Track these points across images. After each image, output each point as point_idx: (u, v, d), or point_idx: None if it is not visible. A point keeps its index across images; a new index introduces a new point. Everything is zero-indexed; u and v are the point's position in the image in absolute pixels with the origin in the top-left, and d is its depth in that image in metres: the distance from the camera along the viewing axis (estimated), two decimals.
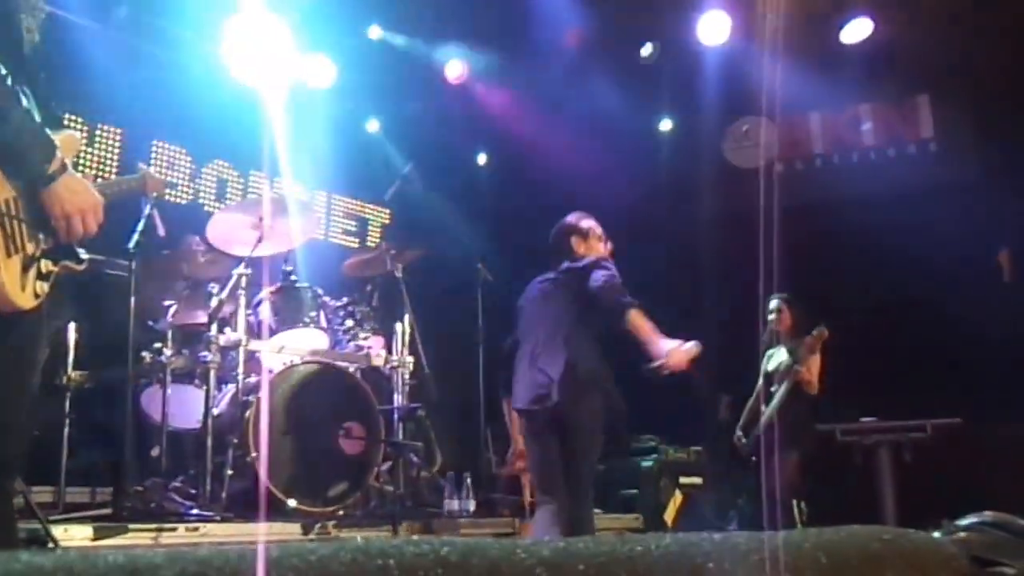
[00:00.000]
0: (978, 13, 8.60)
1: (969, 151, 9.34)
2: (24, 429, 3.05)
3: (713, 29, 9.38)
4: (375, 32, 9.51)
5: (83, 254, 3.14)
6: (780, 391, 7.67)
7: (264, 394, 6.05)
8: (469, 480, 6.87)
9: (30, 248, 2.87)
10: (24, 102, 2.82)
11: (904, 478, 7.86)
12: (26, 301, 2.86)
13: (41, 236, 2.93)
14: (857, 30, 9.25)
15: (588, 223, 5.64)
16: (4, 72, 2.74)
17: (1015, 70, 8.59)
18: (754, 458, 7.83)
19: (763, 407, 7.87)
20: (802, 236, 9.42)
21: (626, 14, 9.35)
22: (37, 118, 2.88)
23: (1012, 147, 8.77)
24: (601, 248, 5.59)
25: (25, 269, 2.86)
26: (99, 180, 3.33)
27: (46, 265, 2.96)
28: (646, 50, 9.73)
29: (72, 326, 6.00)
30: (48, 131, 2.92)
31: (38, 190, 2.89)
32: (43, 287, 2.95)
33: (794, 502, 7.54)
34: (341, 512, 6.11)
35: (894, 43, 9.21)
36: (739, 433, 8.03)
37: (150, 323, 6.54)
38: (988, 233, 8.69)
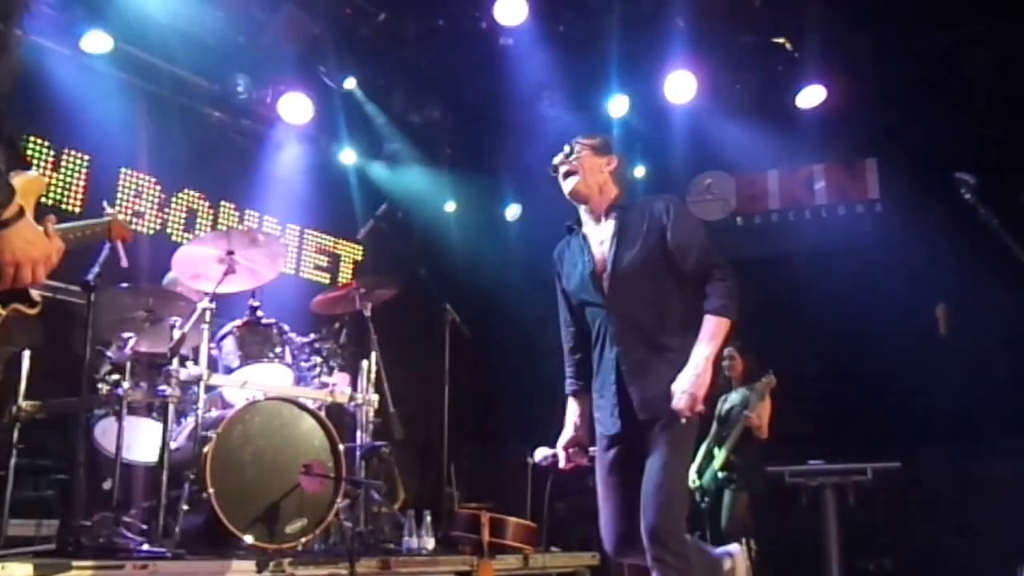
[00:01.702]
0: (922, 86, 8.80)
1: (911, 212, 9.12)
2: None
3: (679, 88, 9.27)
4: (350, 83, 8.97)
5: (36, 296, 2.81)
6: (732, 435, 7.70)
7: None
8: (429, 518, 6.49)
9: None
10: None
11: (848, 518, 7.98)
12: None
13: None
14: (811, 96, 9.22)
15: None
16: None
17: (954, 139, 8.66)
18: (705, 499, 7.79)
19: (716, 449, 7.83)
20: (757, 287, 9.20)
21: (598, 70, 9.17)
22: None
23: (950, 210, 8.58)
24: None
25: None
26: (63, 225, 2.85)
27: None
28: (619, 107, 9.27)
29: (26, 354, 5.54)
30: (10, 174, 2.62)
31: None
32: None
33: (744, 540, 7.23)
34: (299, 549, 5.60)
35: (845, 109, 9.25)
36: (693, 475, 7.80)
37: (108, 354, 6.09)
38: (927, 289, 8.60)
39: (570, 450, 4.41)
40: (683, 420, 3.89)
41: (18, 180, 2.68)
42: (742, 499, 7.60)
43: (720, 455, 7.69)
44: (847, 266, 9.10)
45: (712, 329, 4.02)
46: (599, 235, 4.35)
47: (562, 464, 4.44)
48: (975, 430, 8.17)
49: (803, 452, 8.24)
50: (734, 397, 7.91)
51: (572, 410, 4.46)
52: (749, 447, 7.64)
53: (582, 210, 4.45)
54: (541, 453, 4.54)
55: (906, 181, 9.41)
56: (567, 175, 4.37)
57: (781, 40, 8.85)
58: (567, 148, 4.44)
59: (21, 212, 2.61)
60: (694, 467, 7.81)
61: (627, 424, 4.09)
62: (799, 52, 8.94)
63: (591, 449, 4.37)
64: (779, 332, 8.86)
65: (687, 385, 3.90)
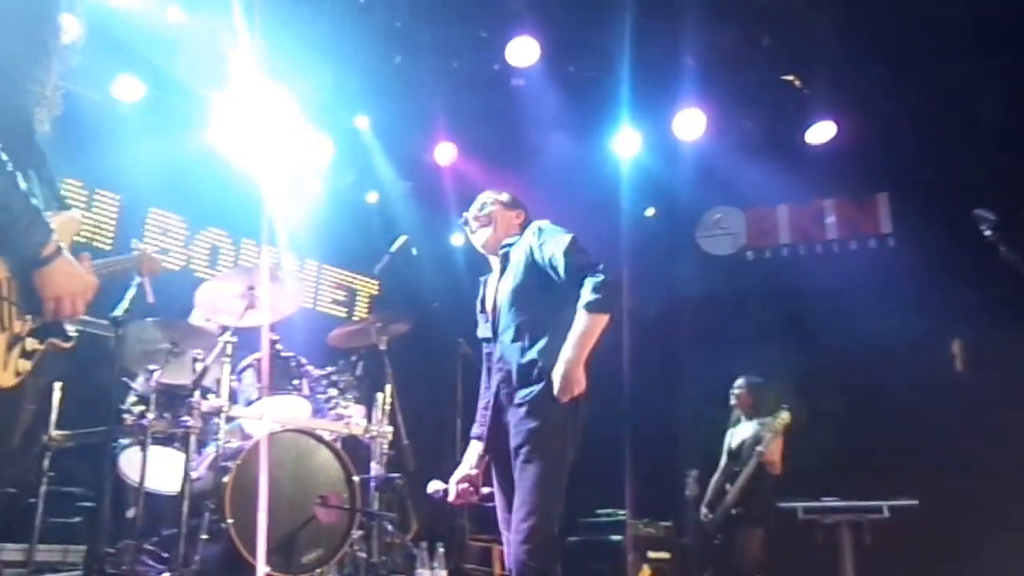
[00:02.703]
0: (933, 120, 8.78)
1: (924, 246, 9.16)
2: None
3: (689, 125, 9.33)
4: (362, 123, 9.18)
5: (71, 331, 2.98)
6: (745, 470, 7.63)
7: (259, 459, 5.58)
8: (442, 549, 6.50)
9: (17, 327, 2.72)
10: (24, 186, 2.67)
11: (865, 556, 7.80)
12: (6, 379, 2.70)
13: (29, 316, 2.77)
14: (821, 132, 9.26)
15: None
16: (5, 158, 2.60)
17: (966, 173, 8.65)
18: (719, 536, 7.73)
19: (728, 485, 7.80)
20: (769, 321, 9.34)
21: (607, 108, 9.23)
22: (37, 201, 2.74)
23: (963, 244, 8.61)
24: None
25: (10, 347, 2.70)
26: (97, 261, 3.05)
27: (31, 344, 2.80)
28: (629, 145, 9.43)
29: (57, 385, 5.80)
30: (48, 213, 2.80)
31: (30, 271, 2.74)
32: (25, 365, 2.78)
33: None
34: None
35: (856, 144, 9.24)
36: (704, 510, 7.92)
37: (133, 386, 6.29)
38: (942, 324, 8.57)
39: (460, 486, 4.52)
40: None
41: (56, 220, 2.84)
42: (756, 536, 7.51)
43: (733, 491, 7.63)
44: (859, 300, 9.00)
45: (579, 325, 4.08)
46: (493, 276, 4.62)
47: (451, 498, 4.55)
48: (993, 468, 7.96)
49: (818, 488, 8.11)
50: (743, 431, 7.89)
51: (472, 450, 4.57)
52: (762, 483, 7.55)
53: (492, 260, 4.69)
54: (433, 486, 4.64)
55: (918, 215, 9.42)
56: (479, 228, 4.68)
57: (790, 77, 8.91)
58: (479, 203, 4.73)
59: (59, 250, 2.76)
60: (704, 503, 7.92)
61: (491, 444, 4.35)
62: (808, 88, 8.97)
63: (484, 489, 4.50)
64: (791, 366, 8.82)
65: (555, 382, 4.04)
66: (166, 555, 5.58)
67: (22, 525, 5.59)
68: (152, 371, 6.01)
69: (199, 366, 5.86)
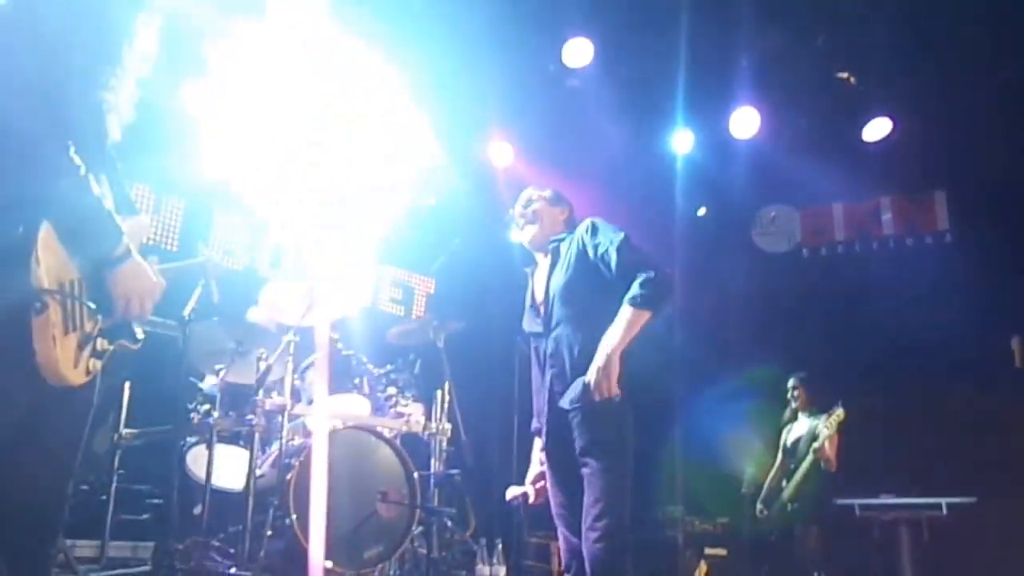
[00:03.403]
0: (990, 117, 8.62)
1: (982, 243, 9.12)
2: (67, 498, 2.92)
3: (743, 124, 9.34)
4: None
5: (139, 333, 3.06)
6: (800, 467, 7.63)
7: (314, 456, 5.67)
8: (501, 545, 6.53)
9: (88, 327, 2.77)
10: (96, 189, 2.74)
11: (922, 554, 7.78)
12: (77, 377, 2.76)
13: (100, 316, 2.82)
14: (877, 129, 9.25)
15: None
16: (78, 163, 2.68)
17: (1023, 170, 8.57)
18: (775, 533, 7.73)
19: (784, 482, 7.78)
20: (824, 318, 9.30)
21: (662, 107, 9.23)
22: (109, 205, 2.81)
23: (1020, 241, 8.76)
24: None
25: (81, 347, 2.76)
26: (164, 264, 3.13)
27: (101, 343, 2.86)
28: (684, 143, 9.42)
29: (126, 385, 5.90)
30: (119, 216, 2.86)
31: (102, 272, 2.81)
32: (96, 364, 2.85)
33: (814, 574, 7.41)
34: (376, 574, 5.84)
35: (912, 141, 9.20)
36: (760, 506, 7.92)
37: (199, 385, 6.42)
38: (1001, 321, 8.58)
39: (537, 485, 4.60)
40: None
41: (126, 224, 2.89)
42: (812, 532, 7.49)
43: (789, 487, 7.64)
44: (916, 297, 8.94)
45: (621, 318, 4.10)
46: (542, 270, 4.65)
47: (531, 500, 4.63)
48: None
49: (875, 486, 8.10)
50: (799, 428, 7.89)
51: (537, 446, 4.66)
52: (817, 480, 7.51)
53: (538, 255, 4.75)
54: (512, 492, 4.74)
55: (976, 212, 9.38)
56: (525, 225, 4.72)
57: (845, 74, 8.89)
58: (524, 200, 4.77)
59: (128, 251, 2.83)
60: (760, 499, 7.94)
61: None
62: (863, 85, 8.91)
63: None
64: (847, 364, 8.86)
65: (590, 373, 4.07)
66: (232, 551, 5.66)
67: (94, 522, 5.69)
68: (218, 370, 6.12)
69: (263, 365, 5.92)
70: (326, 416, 6.28)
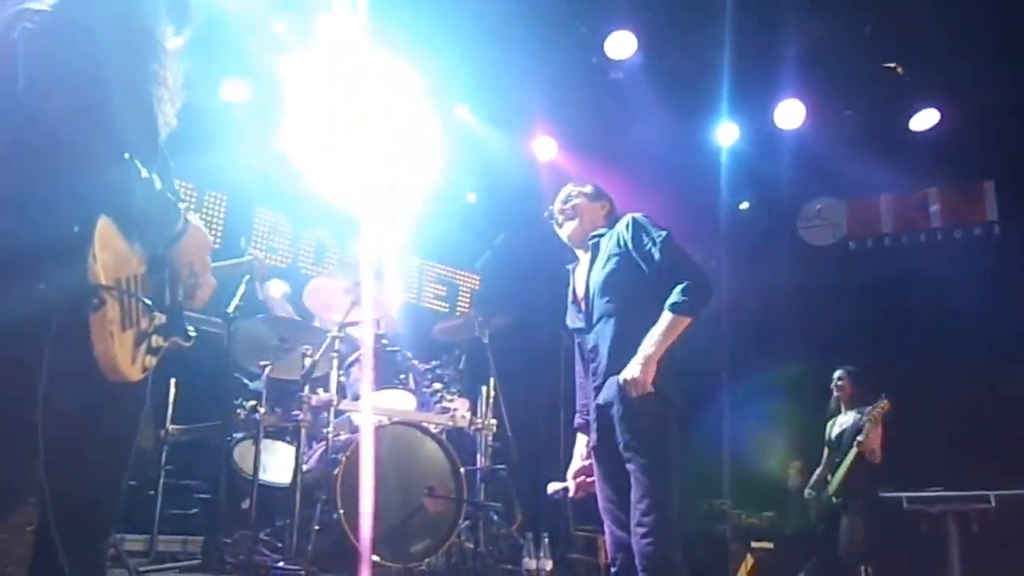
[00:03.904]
0: None
1: None
2: (121, 493, 2.89)
3: (789, 115, 9.26)
4: (462, 113, 9.19)
5: (192, 331, 3.01)
6: (845, 460, 7.51)
7: (359, 451, 5.67)
8: (547, 539, 6.47)
9: (144, 323, 2.75)
10: (144, 174, 2.70)
11: (971, 547, 7.59)
12: (134, 373, 2.72)
13: (156, 313, 2.80)
14: (925, 119, 9.15)
15: None
16: (124, 152, 2.65)
17: None
18: (821, 526, 7.61)
19: (829, 475, 7.70)
20: (871, 310, 9.19)
21: (706, 99, 9.15)
22: (159, 188, 2.77)
23: None
24: None
25: (138, 343, 2.73)
26: (214, 263, 3.12)
27: (157, 340, 2.82)
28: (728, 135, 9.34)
29: (172, 381, 5.92)
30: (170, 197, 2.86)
31: (165, 255, 2.82)
32: (151, 361, 2.81)
33: (861, 568, 7.36)
34: (423, 568, 5.80)
35: (960, 132, 9.09)
36: (810, 491, 7.85)
37: (245, 381, 6.43)
38: None
39: (578, 480, 4.55)
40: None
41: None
42: (859, 525, 7.39)
43: (834, 481, 7.54)
44: (964, 289, 8.68)
45: (662, 323, 4.06)
46: (583, 266, 4.56)
47: (572, 494, 4.59)
48: None
49: (923, 479, 7.95)
50: (844, 421, 7.81)
51: (580, 441, 4.61)
52: (863, 472, 7.42)
53: (578, 251, 4.67)
54: (553, 487, 4.71)
55: None
56: (565, 221, 4.65)
57: (892, 64, 8.80)
58: (563, 195, 4.69)
59: (188, 221, 2.83)
60: (809, 486, 7.86)
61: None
62: (911, 76, 8.79)
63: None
64: (893, 356, 8.76)
65: (625, 373, 4.02)
66: (280, 545, 5.70)
67: (143, 516, 5.71)
68: (263, 366, 6.12)
69: (308, 361, 5.91)
70: (371, 411, 6.22)
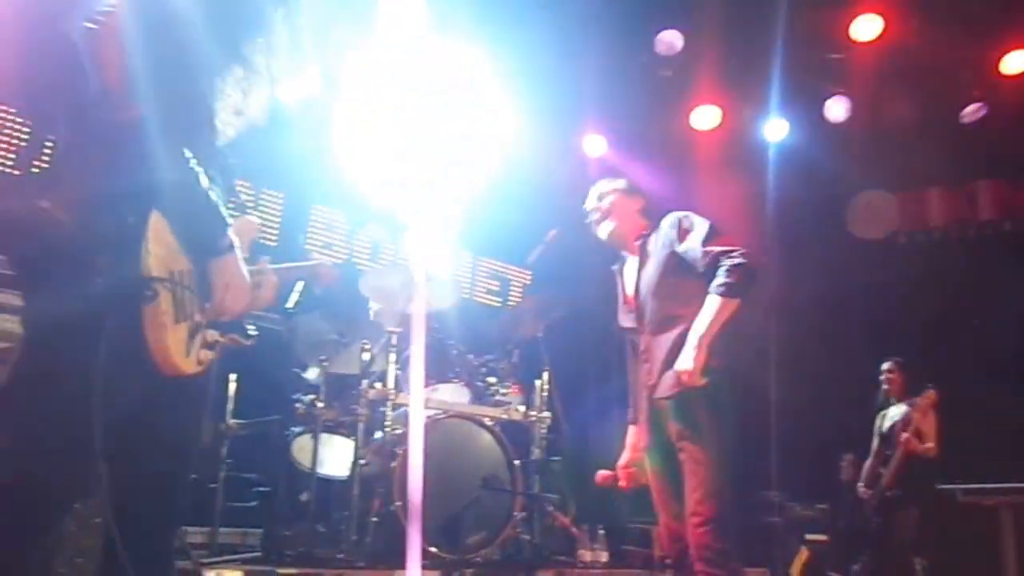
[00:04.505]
0: None
1: None
2: (186, 488, 2.89)
3: (838, 109, 9.19)
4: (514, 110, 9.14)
5: (252, 330, 3.03)
6: (896, 452, 7.46)
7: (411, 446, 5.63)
8: (602, 531, 6.44)
9: (198, 317, 2.74)
10: (205, 182, 2.70)
11: None
12: (190, 367, 2.70)
13: (208, 306, 2.80)
14: (974, 112, 8.95)
15: None
16: (189, 154, 2.65)
17: None
18: (875, 519, 7.55)
19: (881, 468, 7.63)
20: (922, 304, 9.03)
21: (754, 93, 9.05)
22: (215, 199, 2.76)
23: None
24: None
25: (192, 336, 2.72)
26: (279, 265, 3.12)
27: (212, 335, 2.82)
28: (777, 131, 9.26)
29: (232, 377, 5.90)
30: (224, 211, 2.84)
31: (207, 262, 2.78)
32: (207, 355, 2.80)
33: (916, 560, 7.28)
34: (479, 560, 5.75)
35: (1010, 125, 8.85)
36: (862, 486, 7.79)
37: (304, 376, 6.38)
38: None
39: (628, 471, 4.57)
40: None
41: (236, 223, 2.88)
42: (911, 517, 7.34)
43: (887, 475, 7.47)
44: (1014, 282, 8.59)
45: (708, 308, 4.04)
46: (631, 266, 4.52)
47: (621, 483, 4.60)
48: None
49: (978, 471, 7.73)
50: (894, 413, 7.75)
51: (631, 434, 4.65)
52: (918, 465, 7.35)
53: (623, 251, 4.62)
54: (601, 475, 4.77)
55: None
56: (600, 220, 4.57)
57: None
58: (596, 193, 4.62)
59: (231, 245, 2.80)
60: (861, 480, 7.79)
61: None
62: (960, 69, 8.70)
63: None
64: (945, 349, 8.61)
65: (679, 363, 4.00)
66: (338, 537, 5.66)
67: (204, 509, 5.72)
68: (321, 361, 6.11)
69: (366, 356, 5.91)
70: (425, 405, 6.21)
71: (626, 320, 4.55)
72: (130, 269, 2.56)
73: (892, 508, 7.45)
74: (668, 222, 4.40)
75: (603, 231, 4.59)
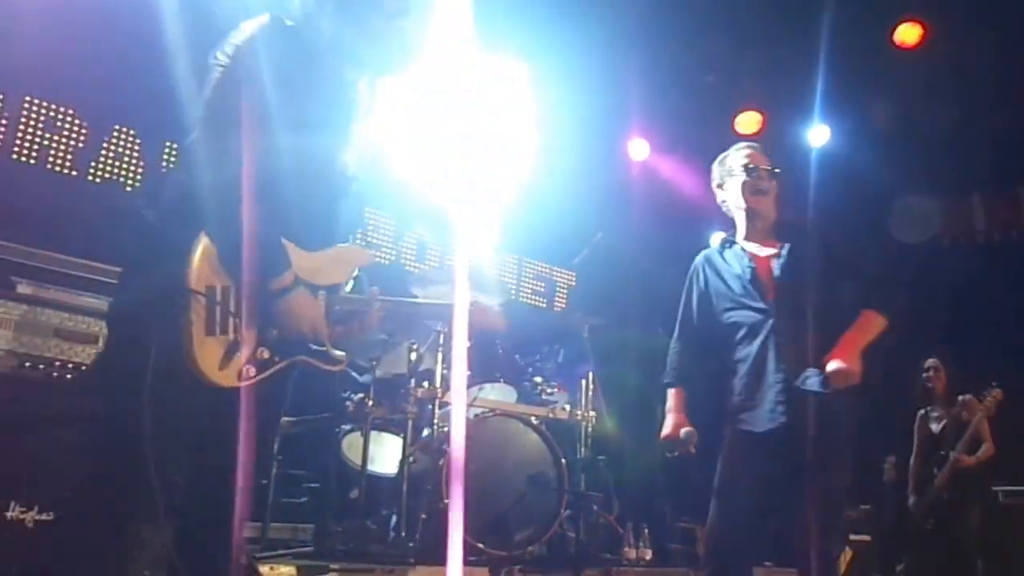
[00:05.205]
0: None
1: None
2: (229, 488, 2.89)
3: (880, 115, 9.12)
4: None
5: (338, 354, 3.12)
6: (953, 454, 7.27)
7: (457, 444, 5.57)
8: (647, 530, 6.37)
9: (234, 334, 2.83)
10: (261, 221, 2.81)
11: None
12: (223, 379, 2.79)
13: (262, 328, 2.89)
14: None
15: None
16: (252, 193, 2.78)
17: None
18: (931, 520, 7.38)
19: (935, 470, 7.41)
20: (965, 308, 8.88)
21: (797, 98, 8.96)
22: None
23: None
24: None
25: (229, 351, 2.81)
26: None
27: (262, 352, 2.89)
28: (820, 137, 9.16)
29: None
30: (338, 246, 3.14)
31: (272, 299, 2.89)
32: (251, 371, 2.85)
33: (979, 560, 7.22)
34: (526, 556, 5.73)
35: None
36: (913, 498, 7.58)
37: (354, 374, 6.33)
38: None
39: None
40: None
41: (335, 251, 3.10)
42: (975, 517, 7.18)
43: (942, 475, 7.27)
44: None
45: (860, 322, 4.05)
46: (764, 248, 4.30)
47: (692, 448, 4.28)
48: None
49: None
50: (940, 414, 7.57)
51: (679, 400, 4.50)
52: (974, 466, 7.20)
53: (744, 224, 4.39)
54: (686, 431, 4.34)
55: None
56: (763, 191, 4.33)
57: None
58: (766, 157, 4.39)
59: (295, 282, 2.89)
60: (911, 489, 7.60)
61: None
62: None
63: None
64: (988, 352, 8.43)
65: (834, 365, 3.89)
66: (388, 533, 5.64)
67: (256, 505, 5.68)
68: (371, 360, 6.07)
69: (414, 355, 5.90)
70: (471, 404, 6.24)
71: (745, 296, 4.30)
72: (173, 277, 2.71)
73: (952, 509, 7.25)
74: (815, 225, 4.37)
75: (762, 201, 4.36)
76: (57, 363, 4.21)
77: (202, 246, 2.73)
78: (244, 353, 2.83)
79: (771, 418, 4.04)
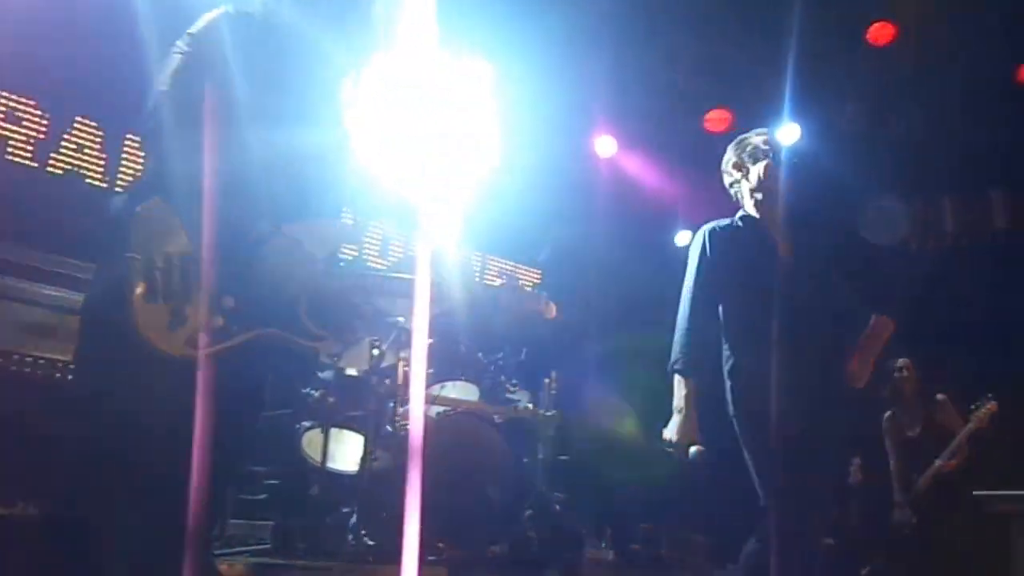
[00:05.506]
0: None
1: None
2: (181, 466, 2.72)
3: (851, 116, 9.30)
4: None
5: (315, 329, 3.04)
6: (939, 459, 7.23)
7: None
8: (610, 531, 6.44)
9: (180, 300, 2.79)
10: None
11: None
12: (168, 346, 2.75)
13: (216, 296, 2.82)
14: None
15: None
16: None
17: None
18: (905, 528, 7.35)
19: (914, 475, 7.41)
20: (934, 312, 8.96)
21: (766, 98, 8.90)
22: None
23: None
24: None
25: (175, 317, 2.78)
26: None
27: (216, 321, 2.81)
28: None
29: None
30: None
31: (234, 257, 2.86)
32: (202, 339, 2.77)
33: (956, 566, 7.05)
34: (487, 556, 5.83)
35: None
36: (898, 498, 7.48)
37: (315, 372, 6.28)
38: None
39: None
40: None
41: (317, 224, 3.12)
42: (954, 521, 7.11)
43: (926, 478, 7.24)
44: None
45: (872, 326, 4.12)
46: (777, 232, 4.24)
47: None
48: None
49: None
50: (912, 417, 7.49)
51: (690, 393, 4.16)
52: (955, 472, 7.16)
53: (753, 210, 4.35)
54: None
55: None
56: (775, 178, 4.25)
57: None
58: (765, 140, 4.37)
59: (276, 231, 2.97)
60: (897, 493, 7.51)
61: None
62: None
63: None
64: (958, 355, 8.42)
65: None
66: (347, 531, 5.59)
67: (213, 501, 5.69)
68: (332, 357, 6.04)
69: (376, 352, 5.88)
70: (431, 402, 6.29)
71: (760, 275, 4.26)
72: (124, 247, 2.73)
73: (930, 513, 7.26)
74: (833, 220, 4.47)
75: (779, 184, 4.31)
76: (15, 356, 4.23)
77: (146, 212, 2.75)
78: (192, 321, 2.78)
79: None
